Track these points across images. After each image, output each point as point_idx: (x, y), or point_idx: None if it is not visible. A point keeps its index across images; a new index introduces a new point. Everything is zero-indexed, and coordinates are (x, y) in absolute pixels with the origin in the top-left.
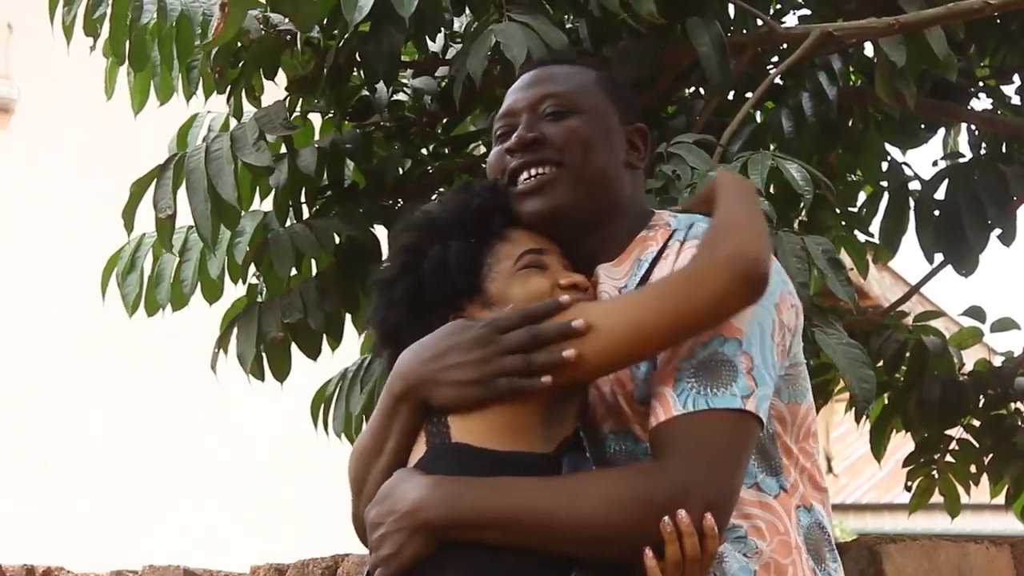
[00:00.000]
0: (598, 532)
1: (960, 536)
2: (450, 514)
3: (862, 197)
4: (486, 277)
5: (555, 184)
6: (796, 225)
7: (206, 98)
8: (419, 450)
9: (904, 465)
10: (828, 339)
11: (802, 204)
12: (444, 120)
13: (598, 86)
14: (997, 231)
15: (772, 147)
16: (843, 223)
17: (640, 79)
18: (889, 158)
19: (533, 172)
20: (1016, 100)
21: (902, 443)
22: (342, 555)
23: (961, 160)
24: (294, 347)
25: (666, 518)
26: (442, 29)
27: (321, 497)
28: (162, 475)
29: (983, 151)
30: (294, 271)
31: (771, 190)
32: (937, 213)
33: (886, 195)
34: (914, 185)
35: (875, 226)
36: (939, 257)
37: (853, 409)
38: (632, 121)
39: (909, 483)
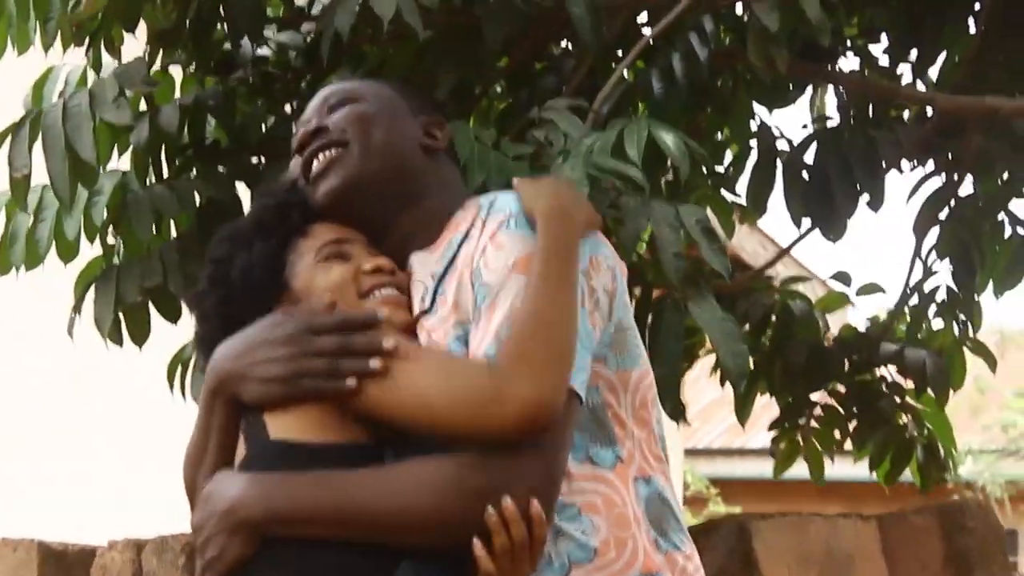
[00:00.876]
0: (420, 522)
1: (833, 488)
2: (269, 511)
3: (728, 156)
4: (291, 275)
5: (341, 162)
6: (663, 184)
7: (64, 50)
8: (241, 452)
9: (769, 429)
10: (701, 311)
11: (670, 168)
12: (309, 76)
13: (384, 84)
14: (865, 196)
15: (641, 107)
16: (709, 182)
17: (510, 36)
18: (758, 119)
19: (320, 156)
20: (884, 61)
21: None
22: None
23: (830, 124)
24: (153, 310)
25: (490, 508)
26: None
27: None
28: (19, 446)
29: (852, 113)
30: (154, 232)
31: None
32: (806, 177)
33: (754, 155)
34: (782, 145)
35: (742, 185)
36: (807, 221)
37: (719, 372)
38: (426, 112)
39: (772, 448)
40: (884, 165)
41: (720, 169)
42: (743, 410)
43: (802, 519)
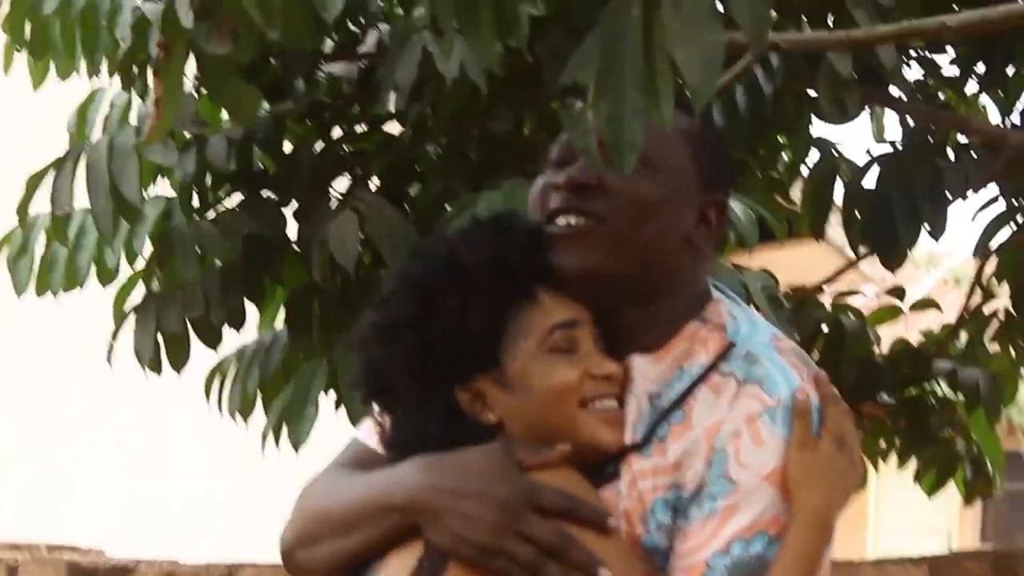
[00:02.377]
0: None
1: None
2: None
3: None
4: (507, 351)
5: (590, 241)
6: None
7: (110, 77)
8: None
9: None
10: None
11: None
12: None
13: (687, 141)
14: (926, 226)
15: None
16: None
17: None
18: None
19: (572, 220)
20: (949, 72)
21: None
22: (238, 565)
23: (892, 149)
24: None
25: None
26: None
27: (227, 495)
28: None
29: (913, 136)
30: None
31: None
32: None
33: (810, 176)
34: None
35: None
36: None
37: None
38: (713, 191)
39: None
40: (950, 197)
41: (775, 175)
42: None
43: (852, 567)
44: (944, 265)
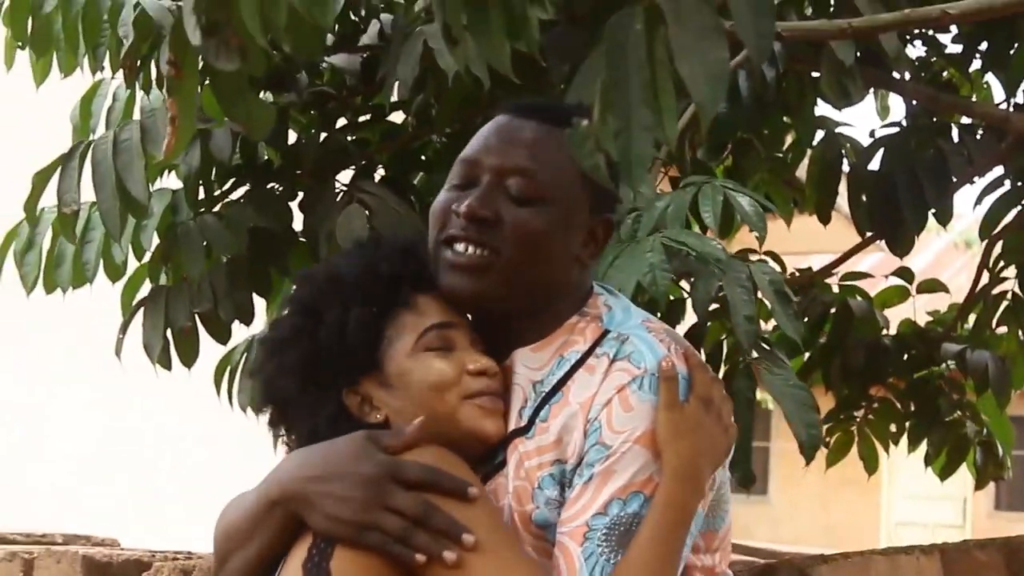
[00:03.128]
0: None
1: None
2: None
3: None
4: (385, 352)
5: (487, 272)
6: (721, 172)
7: (112, 73)
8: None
9: (824, 422)
10: (774, 379)
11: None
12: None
13: (576, 167)
14: (932, 210)
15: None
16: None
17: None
18: (823, 125)
19: (470, 249)
20: (952, 49)
21: None
22: None
23: (896, 129)
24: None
25: None
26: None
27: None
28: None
29: (917, 116)
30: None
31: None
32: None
33: (814, 156)
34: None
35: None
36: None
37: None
38: (601, 211)
39: (827, 438)
40: (955, 181)
41: (779, 155)
42: None
43: (863, 559)
44: (954, 228)
